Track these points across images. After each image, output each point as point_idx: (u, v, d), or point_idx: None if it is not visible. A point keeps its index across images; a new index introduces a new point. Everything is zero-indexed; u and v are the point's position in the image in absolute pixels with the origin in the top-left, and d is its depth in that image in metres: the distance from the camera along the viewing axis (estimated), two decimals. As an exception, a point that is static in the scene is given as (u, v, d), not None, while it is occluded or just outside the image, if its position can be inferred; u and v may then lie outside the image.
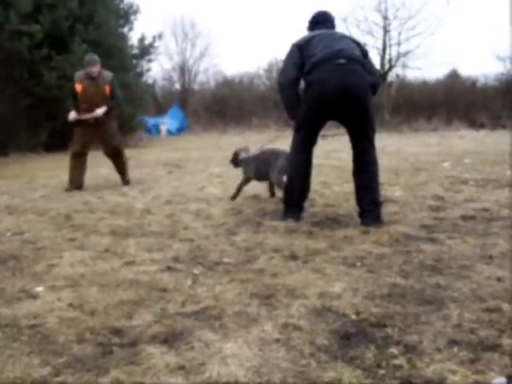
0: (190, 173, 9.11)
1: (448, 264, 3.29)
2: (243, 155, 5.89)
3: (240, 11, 51.94)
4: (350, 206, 4.96)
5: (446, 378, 1.94)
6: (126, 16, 20.36)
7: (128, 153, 14.87)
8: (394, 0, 29.29)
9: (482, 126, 23.43)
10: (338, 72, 4.31)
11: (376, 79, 4.64)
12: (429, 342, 2.22)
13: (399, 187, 6.35)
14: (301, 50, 4.53)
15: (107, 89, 7.62)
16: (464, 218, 4.62)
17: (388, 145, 13.27)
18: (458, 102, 24.99)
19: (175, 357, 2.12)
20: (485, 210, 4.94)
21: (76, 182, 7.46)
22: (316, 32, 4.66)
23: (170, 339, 2.30)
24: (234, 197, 5.81)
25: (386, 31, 26.74)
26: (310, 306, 2.61)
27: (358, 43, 4.71)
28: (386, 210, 4.80)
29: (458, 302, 2.65)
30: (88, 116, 7.50)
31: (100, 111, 7.49)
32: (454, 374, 1.96)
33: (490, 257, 3.46)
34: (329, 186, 6.52)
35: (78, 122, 7.57)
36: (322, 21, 4.85)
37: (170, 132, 26.46)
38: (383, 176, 6.84)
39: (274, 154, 5.47)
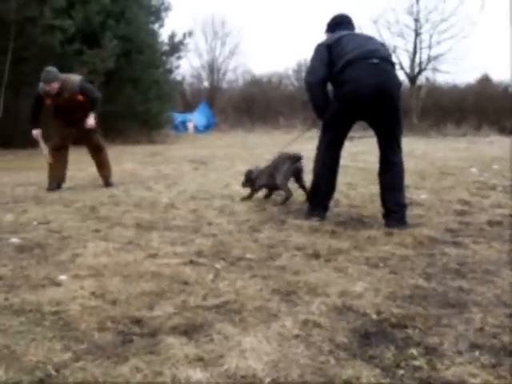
0: (216, 170, 9.13)
1: (472, 268, 3.26)
2: (253, 175, 5.80)
3: (270, 11, 51.98)
4: (375, 207, 4.92)
5: (466, 381, 1.92)
6: (157, 13, 20.53)
7: (155, 148, 15.08)
8: (427, 3, 29.02)
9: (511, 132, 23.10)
10: (373, 71, 4.30)
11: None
12: (450, 344, 2.20)
13: (425, 190, 6.30)
14: (330, 49, 4.50)
15: (79, 97, 6.87)
16: (490, 223, 4.57)
17: (416, 148, 13.16)
18: (488, 108, 24.66)
19: (194, 348, 2.13)
20: (512, 216, 4.88)
21: (56, 178, 6.98)
22: (343, 32, 4.64)
23: (189, 331, 2.31)
24: (244, 199, 5.77)
25: (417, 34, 26.48)
26: (331, 304, 2.60)
27: (383, 44, 4.73)
28: (411, 213, 4.77)
29: (481, 307, 2.62)
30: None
31: (91, 121, 6.89)
32: (474, 378, 1.94)
33: (516, 263, 3.42)
34: (354, 187, 6.49)
35: (55, 116, 7.11)
36: (343, 22, 4.83)
37: (197, 129, 26.59)
38: (410, 179, 6.81)
39: (282, 159, 5.48)
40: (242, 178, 6.41)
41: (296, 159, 5.39)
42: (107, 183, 7.24)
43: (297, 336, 2.26)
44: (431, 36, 26.43)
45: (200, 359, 2.05)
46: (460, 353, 2.13)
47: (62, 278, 3.04)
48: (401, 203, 4.38)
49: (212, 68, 32.48)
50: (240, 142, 17.55)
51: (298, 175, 5.44)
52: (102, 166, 7.36)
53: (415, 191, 6.15)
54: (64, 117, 7.06)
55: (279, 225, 4.44)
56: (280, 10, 54.50)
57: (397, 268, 3.24)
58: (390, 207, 4.38)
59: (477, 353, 2.13)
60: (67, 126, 7.10)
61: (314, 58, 4.59)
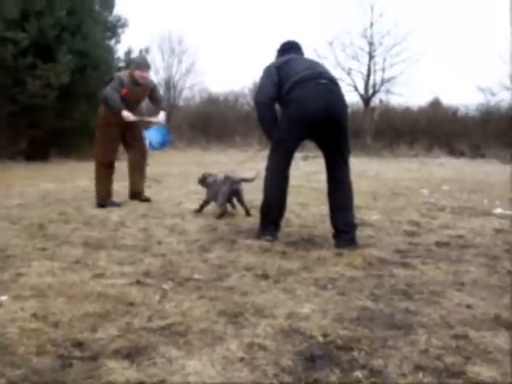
0: (169, 188, 9.06)
1: (419, 289, 3.29)
2: (210, 179, 6.19)
3: (227, 30, 52.07)
4: (326, 227, 4.94)
5: (408, 403, 1.93)
6: (113, 28, 20.35)
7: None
8: (380, 27, 29.59)
9: (461, 154, 23.65)
10: (320, 91, 4.34)
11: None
12: (394, 366, 2.20)
13: (377, 211, 6.36)
14: (279, 70, 4.56)
15: (147, 94, 6.97)
16: (438, 244, 4.63)
17: (369, 169, 13.35)
18: (439, 130, 25.18)
19: (136, 372, 2.08)
20: (459, 236, 4.96)
21: (108, 194, 6.83)
22: (293, 55, 4.72)
23: (132, 354, 2.26)
24: (197, 211, 6.08)
25: (371, 56, 27.05)
26: (278, 327, 2.58)
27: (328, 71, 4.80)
28: (362, 234, 4.80)
29: (426, 328, 2.63)
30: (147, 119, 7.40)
31: (162, 116, 7.06)
32: (417, 400, 1.94)
33: (462, 284, 3.46)
34: (306, 207, 6.51)
35: (104, 126, 6.74)
36: (292, 48, 4.90)
37: (152, 146, 26.30)
38: (362, 200, 6.89)
39: (226, 179, 5.87)
40: (194, 197, 6.38)
41: (236, 182, 5.81)
42: (144, 198, 7.06)
43: (241, 359, 2.23)
44: (384, 59, 27.07)
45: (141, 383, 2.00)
46: (404, 375, 2.13)
47: (3, 298, 2.95)
48: (350, 223, 4.41)
49: (169, 85, 32.30)
50: (195, 161, 17.50)
51: (237, 196, 5.87)
52: (142, 177, 7.20)
53: (367, 212, 6.20)
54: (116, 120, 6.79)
55: (229, 244, 4.41)
56: (236, 29, 54.75)
57: (345, 289, 3.24)
58: (339, 227, 4.40)
59: (420, 374, 2.14)
60: (118, 137, 6.90)
61: (264, 78, 4.63)
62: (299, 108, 4.36)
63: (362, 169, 13.04)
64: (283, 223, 4.90)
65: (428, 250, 4.43)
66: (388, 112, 27.63)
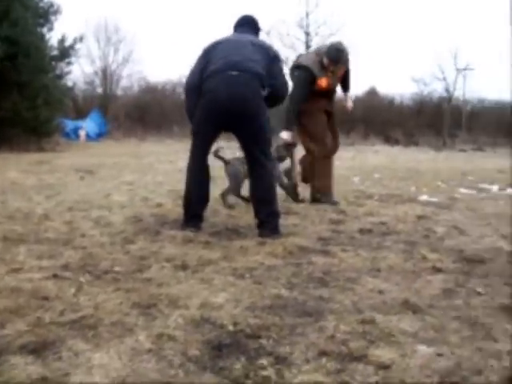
0: (102, 179, 8.95)
1: (335, 276, 3.36)
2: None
3: (165, 18, 51.53)
4: (252, 217, 4.97)
5: (309, 388, 1.98)
6: (45, 15, 19.89)
7: (43, 156, 14.59)
8: (317, 17, 29.90)
9: (396, 142, 24.23)
10: (227, 84, 4.37)
11: (277, 88, 4.63)
12: (300, 353, 2.25)
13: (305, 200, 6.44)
14: (208, 54, 4.59)
15: (344, 69, 6.41)
16: (361, 231, 4.74)
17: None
18: (375, 119, 25.71)
19: (40, 367, 2.06)
20: (382, 223, 5.09)
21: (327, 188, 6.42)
22: (225, 38, 4.73)
23: (38, 349, 2.23)
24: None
25: (307, 46, 27.29)
26: (189, 317, 2.60)
27: (267, 48, 4.71)
28: (287, 222, 4.88)
29: (336, 314, 2.70)
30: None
31: (350, 103, 6.73)
32: (317, 385, 2.00)
33: (378, 270, 3.56)
34: (235, 197, 6.52)
35: (311, 111, 6.26)
36: (244, 24, 4.89)
37: (89, 137, 25.95)
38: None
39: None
40: (125, 188, 6.33)
41: None
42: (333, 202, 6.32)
43: (149, 350, 2.24)
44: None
45: (43, 379, 1.98)
46: (308, 361, 2.19)
47: None
48: (272, 213, 4.45)
49: (105, 74, 31.80)
50: (131, 151, 17.31)
51: None
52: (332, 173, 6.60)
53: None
54: (326, 102, 6.43)
55: (153, 236, 4.40)
56: (174, 16, 54.20)
57: (262, 278, 3.28)
58: (262, 217, 4.45)
59: (324, 360, 2.19)
60: (325, 120, 6.45)
61: (195, 63, 4.67)
62: (208, 100, 4.42)
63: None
64: (209, 213, 4.93)
65: (351, 237, 4.53)
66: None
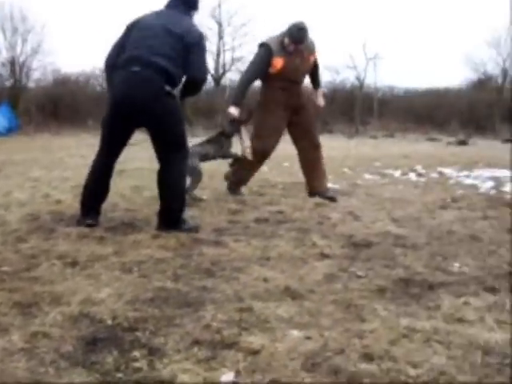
0: (7, 177, 8.67)
1: (223, 266, 3.43)
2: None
3: (77, 7, 50.04)
4: (151, 210, 4.98)
5: (176, 376, 2.04)
6: None
7: None
8: (229, 7, 29.92)
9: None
10: (128, 84, 4.31)
11: (192, 75, 4.48)
12: (174, 343, 2.31)
13: (208, 191, 6.49)
14: (126, 33, 4.53)
15: (311, 60, 6.01)
16: (257, 220, 4.84)
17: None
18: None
19: None
20: (279, 212, 5.21)
21: (243, 182, 6.44)
22: (144, 18, 4.57)
23: None
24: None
25: (220, 37, 27.35)
26: (68, 313, 2.60)
27: (183, 35, 4.39)
28: (186, 214, 4.90)
29: (216, 304, 2.77)
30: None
31: (322, 101, 6.25)
32: (185, 373, 2.05)
33: (267, 258, 3.66)
34: (139, 191, 6.48)
35: (266, 105, 5.98)
36: (170, 4, 4.63)
37: (-2, 132, 25.03)
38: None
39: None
40: (29, 185, 6.20)
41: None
42: (328, 194, 6.12)
43: (21, 349, 2.24)
44: (234, 39, 27.47)
45: None
46: (179, 351, 2.24)
47: None
48: (173, 206, 4.46)
49: (13, 66, 30.69)
50: (42, 146, 16.82)
51: None
52: (322, 169, 6.29)
53: (198, 191, 6.31)
54: (288, 95, 5.95)
55: (47, 233, 4.33)
56: (87, 5, 52.81)
57: (149, 271, 3.31)
58: (162, 210, 4.46)
59: (195, 349, 2.26)
60: (284, 118, 6.03)
61: (119, 38, 4.59)
62: (111, 96, 4.41)
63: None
64: (108, 208, 4.91)
65: (246, 227, 4.61)
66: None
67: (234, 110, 5.85)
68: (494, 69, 32.82)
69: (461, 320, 2.60)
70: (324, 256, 3.72)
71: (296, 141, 6.26)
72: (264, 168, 9.25)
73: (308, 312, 2.69)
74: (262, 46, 5.81)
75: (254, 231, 4.44)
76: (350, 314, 2.67)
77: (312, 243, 4.04)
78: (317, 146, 6.22)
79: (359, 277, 3.29)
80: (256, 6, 35.18)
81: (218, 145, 5.97)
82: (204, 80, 4.72)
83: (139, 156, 8.99)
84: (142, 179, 7.48)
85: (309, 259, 3.65)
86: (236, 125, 5.97)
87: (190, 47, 4.39)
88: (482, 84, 32.85)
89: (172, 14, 4.56)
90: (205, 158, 5.86)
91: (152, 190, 6.47)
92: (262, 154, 6.08)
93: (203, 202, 5.71)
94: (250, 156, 6.00)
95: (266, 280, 3.18)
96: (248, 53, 27.30)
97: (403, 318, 2.59)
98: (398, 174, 9.19)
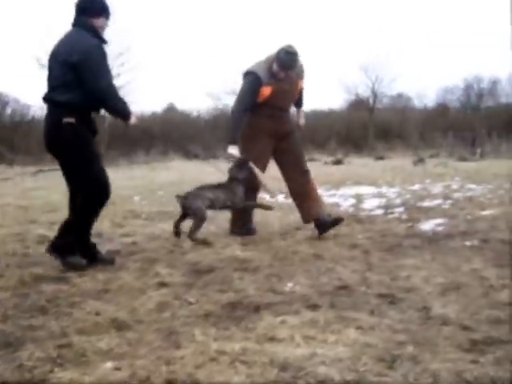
0: None
1: (58, 303, 3.45)
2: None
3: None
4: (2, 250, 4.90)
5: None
6: None
7: None
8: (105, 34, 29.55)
9: (195, 156, 24.75)
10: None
11: (91, 92, 4.25)
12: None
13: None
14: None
15: (300, 85, 5.68)
16: (109, 253, 4.84)
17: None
18: (173, 134, 26.16)
19: None
20: (133, 243, 5.29)
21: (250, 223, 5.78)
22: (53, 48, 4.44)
23: None
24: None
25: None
26: None
27: (67, 57, 4.21)
28: (38, 251, 4.85)
29: (37, 342, 2.79)
30: None
31: (303, 120, 5.94)
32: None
33: (107, 291, 3.71)
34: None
35: (252, 134, 5.49)
36: (74, 20, 4.46)
37: None
38: (62, 214, 6.93)
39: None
40: None
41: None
42: (329, 218, 5.58)
43: None
44: (111, 68, 27.19)
45: None
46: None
47: None
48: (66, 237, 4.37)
49: None
50: None
51: None
52: (316, 195, 5.73)
53: (52, 226, 6.23)
54: (275, 123, 5.52)
55: None
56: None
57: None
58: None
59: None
60: (270, 145, 5.57)
61: None
62: None
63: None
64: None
65: (95, 260, 4.62)
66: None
67: (234, 150, 5.38)
68: (365, 91, 34.79)
69: (272, 339, 2.76)
70: (162, 285, 3.82)
71: (283, 169, 5.74)
72: (136, 198, 9.31)
73: (128, 343, 2.77)
74: (249, 74, 5.36)
75: (102, 264, 4.46)
76: (168, 342, 2.77)
77: (155, 273, 4.13)
78: (305, 172, 5.70)
79: (190, 303, 3.40)
80: (133, 34, 35.11)
81: (230, 191, 5.40)
82: (104, 92, 4.28)
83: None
84: (2, 217, 7.31)
85: (147, 289, 3.72)
86: (244, 165, 5.40)
87: (77, 67, 4.19)
88: (357, 105, 34.61)
89: (65, 37, 4.40)
90: (213, 204, 5.34)
91: (10, 227, 6.38)
92: (253, 184, 5.55)
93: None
94: (270, 192, 5.79)
95: (97, 313, 3.23)
96: (126, 82, 27.24)
97: (217, 342, 2.72)
98: (268, 197, 9.43)
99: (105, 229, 6.16)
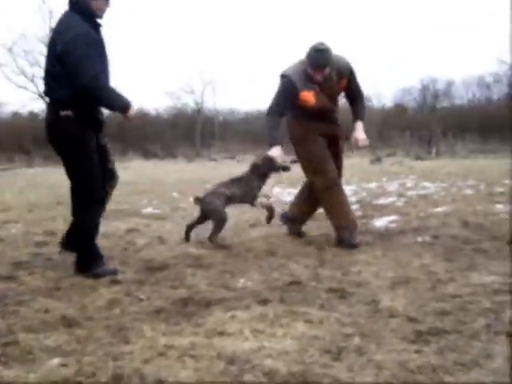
0: None
1: (5, 302, 3.40)
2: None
3: None
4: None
5: None
6: None
7: None
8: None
9: (155, 155, 24.67)
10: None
11: (81, 86, 3.85)
12: None
13: (22, 224, 6.34)
14: None
15: (343, 84, 5.17)
16: (62, 251, 4.77)
17: (47, 179, 13.19)
18: (131, 134, 25.92)
19: None
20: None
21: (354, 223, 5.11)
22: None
23: None
24: None
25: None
26: None
27: (57, 43, 3.91)
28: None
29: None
30: None
31: (363, 136, 5.21)
32: None
33: (58, 289, 3.68)
34: None
35: (304, 136, 5.11)
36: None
37: None
38: (16, 211, 6.83)
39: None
40: None
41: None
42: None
43: None
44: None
45: None
46: None
47: None
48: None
49: None
50: None
51: None
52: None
53: (6, 226, 6.15)
54: (323, 122, 5.18)
55: None
56: None
57: None
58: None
59: None
60: (325, 144, 5.17)
61: None
62: None
63: (40, 179, 12.88)
64: None
65: (48, 259, 4.58)
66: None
67: (276, 152, 5.02)
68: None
69: (221, 333, 2.78)
70: (114, 282, 3.80)
71: None
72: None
73: (77, 339, 2.75)
74: (283, 77, 5.03)
75: (55, 263, 4.42)
76: (116, 338, 2.76)
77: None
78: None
79: (141, 300, 3.40)
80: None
81: (247, 186, 5.19)
82: (88, 88, 3.89)
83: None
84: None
85: (99, 287, 3.70)
86: (269, 162, 5.12)
87: (63, 56, 3.88)
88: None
89: (57, 23, 4.09)
90: (230, 201, 5.12)
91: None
92: (330, 182, 5.07)
93: (9, 237, 5.57)
94: (259, 207, 5.33)
95: (46, 311, 3.20)
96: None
97: (165, 337, 2.72)
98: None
99: (59, 227, 6.09)
